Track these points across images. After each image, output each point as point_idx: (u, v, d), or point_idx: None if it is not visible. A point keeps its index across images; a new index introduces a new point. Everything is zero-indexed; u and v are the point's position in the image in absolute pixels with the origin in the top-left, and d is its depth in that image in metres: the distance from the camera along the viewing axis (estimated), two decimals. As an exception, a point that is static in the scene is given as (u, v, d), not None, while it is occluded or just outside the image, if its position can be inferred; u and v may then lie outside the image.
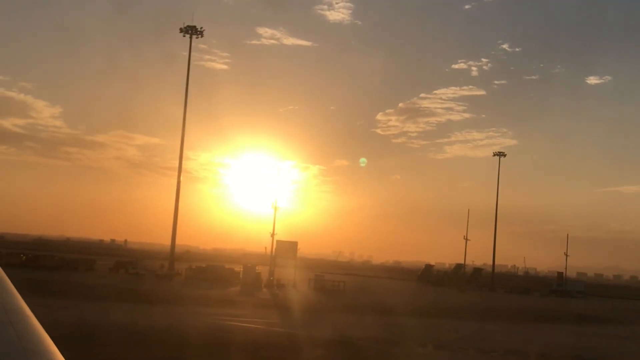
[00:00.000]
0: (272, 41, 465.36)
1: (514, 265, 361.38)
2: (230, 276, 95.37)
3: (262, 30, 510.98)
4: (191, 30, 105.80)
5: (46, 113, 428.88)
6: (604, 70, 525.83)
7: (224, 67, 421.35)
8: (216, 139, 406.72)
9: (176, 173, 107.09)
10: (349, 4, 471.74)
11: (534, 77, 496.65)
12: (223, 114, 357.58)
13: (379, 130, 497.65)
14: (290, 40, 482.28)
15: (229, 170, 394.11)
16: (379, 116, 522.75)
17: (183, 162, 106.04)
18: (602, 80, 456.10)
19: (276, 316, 49.53)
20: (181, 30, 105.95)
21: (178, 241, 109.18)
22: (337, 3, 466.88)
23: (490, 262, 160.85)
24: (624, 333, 56.48)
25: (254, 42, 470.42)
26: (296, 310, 55.24)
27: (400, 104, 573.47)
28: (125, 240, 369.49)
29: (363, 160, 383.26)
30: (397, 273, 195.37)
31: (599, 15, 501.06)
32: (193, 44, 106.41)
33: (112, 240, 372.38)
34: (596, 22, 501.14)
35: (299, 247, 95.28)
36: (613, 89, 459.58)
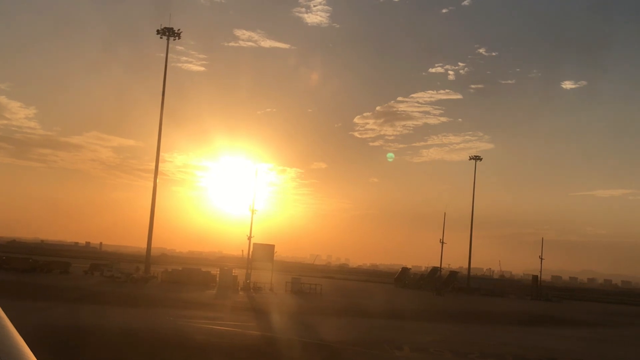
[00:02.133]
0: (250, 43, 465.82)
1: (490, 268, 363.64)
2: (207, 279, 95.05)
3: (239, 32, 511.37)
4: (168, 32, 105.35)
5: (20, 114, 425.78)
6: (579, 75, 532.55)
7: (201, 68, 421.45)
8: (193, 142, 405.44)
9: (152, 175, 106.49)
10: (327, 7, 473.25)
11: (510, 82, 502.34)
12: (200, 116, 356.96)
13: (356, 134, 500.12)
14: (268, 43, 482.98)
15: (206, 172, 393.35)
16: (357, 119, 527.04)
17: (159, 164, 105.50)
18: (578, 85, 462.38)
19: (252, 319, 49.41)
20: (158, 32, 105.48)
21: (154, 244, 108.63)
22: (315, 6, 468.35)
23: (466, 265, 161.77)
24: (597, 336, 57.06)
25: (231, 44, 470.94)
26: (273, 313, 55.18)
27: (378, 108, 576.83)
28: (101, 243, 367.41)
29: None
30: (374, 276, 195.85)
31: (575, 21, 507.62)
32: (170, 45, 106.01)
33: (87, 243, 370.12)
34: (572, 28, 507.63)
35: (276, 250, 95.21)
36: (588, 94, 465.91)
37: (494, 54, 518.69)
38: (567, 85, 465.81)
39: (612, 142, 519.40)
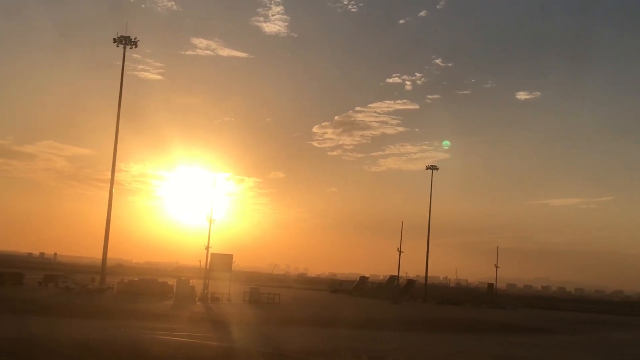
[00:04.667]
0: (208, 52, 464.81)
1: (446, 276, 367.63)
2: (164, 290, 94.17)
3: (197, 41, 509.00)
4: (125, 41, 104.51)
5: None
6: (533, 86, 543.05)
7: (158, 77, 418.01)
8: (150, 151, 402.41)
9: (108, 185, 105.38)
10: (285, 17, 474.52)
11: (466, 92, 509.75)
12: (157, 125, 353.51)
13: (315, 143, 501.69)
14: (226, 52, 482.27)
15: (163, 182, 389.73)
16: (315, 129, 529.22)
17: (115, 173, 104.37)
18: (532, 96, 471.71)
19: (210, 329, 49.13)
20: (115, 40, 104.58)
21: (110, 255, 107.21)
22: (273, 15, 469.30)
23: (424, 274, 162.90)
24: (551, 342, 58.05)
25: (189, 52, 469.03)
26: (230, 324, 54.93)
27: (336, 117, 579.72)
28: (55, 254, 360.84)
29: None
30: (332, 285, 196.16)
31: (529, 33, 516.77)
32: (127, 53, 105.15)
33: (42, 254, 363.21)
34: (527, 39, 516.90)
35: (234, 260, 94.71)
36: (542, 104, 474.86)
37: (449, 64, 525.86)
38: (522, 95, 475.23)
39: (565, 152, 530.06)
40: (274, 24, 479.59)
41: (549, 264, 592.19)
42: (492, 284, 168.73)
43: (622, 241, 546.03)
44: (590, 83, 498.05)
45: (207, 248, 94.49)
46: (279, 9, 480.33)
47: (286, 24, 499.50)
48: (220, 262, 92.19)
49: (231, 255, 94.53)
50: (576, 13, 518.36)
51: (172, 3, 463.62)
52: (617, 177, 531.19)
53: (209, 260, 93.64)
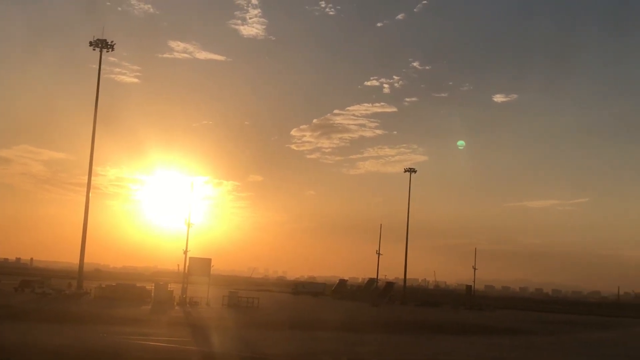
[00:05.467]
0: (185, 55, 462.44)
1: (425, 278, 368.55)
2: (142, 294, 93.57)
3: (174, 44, 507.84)
4: (101, 44, 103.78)
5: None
6: (510, 89, 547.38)
7: (135, 80, 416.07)
8: (127, 155, 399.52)
9: (84, 189, 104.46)
10: (262, 19, 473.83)
11: (443, 95, 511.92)
12: (134, 128, 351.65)
13: (293, 146, 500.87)
14: (203, 55, 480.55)
15: (141, 186, 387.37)
16: (294, 132, 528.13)
17: (92, 177, 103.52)
18: (509, 98, 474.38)
19: (188, 334, 48.88)
20: (91, 43, 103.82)
21: (87, 259, 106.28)
22: (251, 18, 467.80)
23: (402, 276, 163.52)
24: (532, 344, 58.46)
25: (166, 55, 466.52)
26: (209, 328, 54.67)
27: (315, 120, 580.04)
28: (32, 259, 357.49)
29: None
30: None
31: (507, 36, 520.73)
32: (103, 57, 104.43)
33: (18, 259, 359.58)
34: (504, 42, 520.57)
35: (212, 263, 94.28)
36: (519, 107, 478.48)
37: (427, 67, 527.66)
38: (499, 98, 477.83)
39: (542, 154, 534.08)
40: (252, 27, 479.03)
41: (526, 266, 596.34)
42: (471, 285, 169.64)
43: (597, 242, 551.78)
44: (567, 85, 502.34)
45: (186, 252, 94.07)
46: (256, 11, 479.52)
47: (264, 26, 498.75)
48: (199, 266, 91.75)
49: (209, 259, 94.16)
50: (552, 16, 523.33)
51: (149, 6, 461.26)
52: (592, 178, 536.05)
53: (187, 264, 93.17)
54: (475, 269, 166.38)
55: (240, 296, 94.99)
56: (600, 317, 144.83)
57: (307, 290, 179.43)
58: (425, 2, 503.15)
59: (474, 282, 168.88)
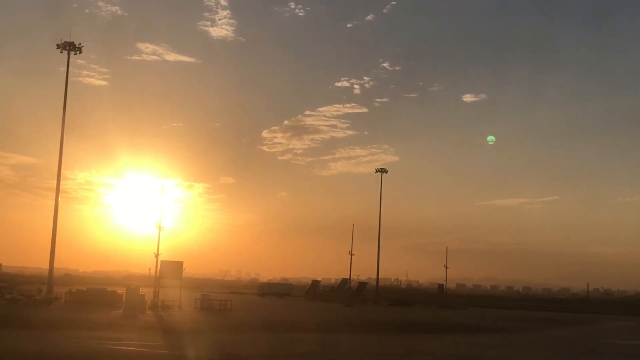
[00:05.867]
0: (154, 57, 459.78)
1: (397, 278, 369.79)
2: (113, 299, 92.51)
3: (143, 46, 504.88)
4: (69, 47, 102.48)
5: None
6: (479, 88, 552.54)
7: (104, 83, 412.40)
8: (96, 158, 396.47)
9: (53, 193, 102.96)
10: (232, 21, 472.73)
11: (413, 95, 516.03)
12: (103, 131, 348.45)
13: (264, 148, 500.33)
14: (172, 56, 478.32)
15: (111, 189, 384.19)
16: (265, 133, 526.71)
17: (61, 182, 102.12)
18: (478, 98, 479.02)
19: (161, 338, 48.43)
20: (58, 46, 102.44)
21: (57, 264, 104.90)
22: (220, 19, 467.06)
23: (375, 276, 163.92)
24: (506, 341, 58.89)
25: (135, 57, 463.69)
26: (182, 331, 54.23)
27: (286, 121, 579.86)
28: (0, 265, 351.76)
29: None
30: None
31: (475, 36, 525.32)
32: (71, 59, 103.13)
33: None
34: (472, 42, 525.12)
35: (184, 267, 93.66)
36: (488, 106, 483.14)
37: (397, 68, 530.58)
38: (468, 98, 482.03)
39: (511, 153, 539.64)
40: (221, 28, 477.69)
41: (497, 264, 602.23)
42: (442, 284, 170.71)
43: (566, 240, 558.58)
44: (537, 84, 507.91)
45: (157, 256, 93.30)
46: (225, 13, 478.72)
47: (233, 28, 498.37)
48: (171, 270, 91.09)
49: (181, 263, 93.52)
50: (521, 16, 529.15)
51: (117, 8, 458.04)
52: (562, 177, 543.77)
53: (158, 268, 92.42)
54: (446, 267, 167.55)
55: (213, 299, 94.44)
56: (570, 313, 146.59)
57: (272, 292, 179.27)
58: (394, 2, 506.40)
59: (446, 280, 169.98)
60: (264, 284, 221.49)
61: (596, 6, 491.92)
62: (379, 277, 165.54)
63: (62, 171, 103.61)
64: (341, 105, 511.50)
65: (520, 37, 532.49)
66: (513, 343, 57.05)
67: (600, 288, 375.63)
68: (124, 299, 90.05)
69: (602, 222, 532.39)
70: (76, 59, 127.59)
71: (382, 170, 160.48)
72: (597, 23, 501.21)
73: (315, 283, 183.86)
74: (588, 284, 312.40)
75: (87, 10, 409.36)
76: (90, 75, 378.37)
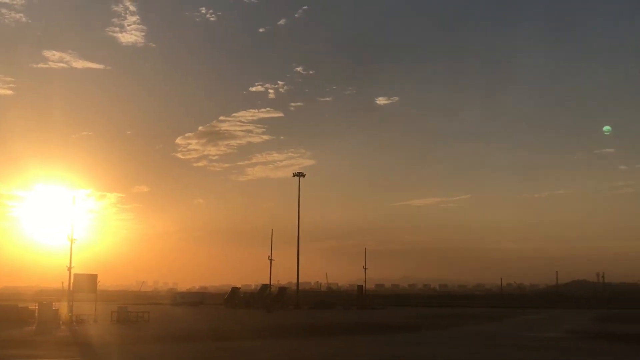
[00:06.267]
0: (61, 64, 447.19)
1: (317, 281, 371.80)
2: (25, 315, 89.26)
3: (49, 53, 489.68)
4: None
5: None
6: (392, 91, 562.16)
7: (9, 92, 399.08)
8: (2, 170, 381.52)
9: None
10: (142, 26, 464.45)
11: (327, 99, 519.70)
12: (10, 142, 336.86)
13: (179, 155, 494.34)
14: (80, 64, 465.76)
15: (19, 202, 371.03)
16: (179, 140, 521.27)
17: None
18: (391, 101, 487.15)
19: (77, 353, 46.98)
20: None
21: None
22: (129, 25, 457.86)
23: (295, 280, 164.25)
24: (427, 339, 59.85)
25: (40, 65, 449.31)
26: (98, 345, 52.78)
27: (200, 128, 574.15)
28: None
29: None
30: (209, 298, 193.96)
31: (388, 39, 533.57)
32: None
33: None
34: (385, 46, 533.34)
35: (99, 279, 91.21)
36: (401, 109, 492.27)
37: (311, 72, 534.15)
38: (381, 100, 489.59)
39: (425, 153, 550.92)
40: (130, 34, 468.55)
41: (414, 263, 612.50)
42: (362, 285, 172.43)
43: (479, 237, 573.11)
44: (448, 86, 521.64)
45: (70, 269, 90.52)
46: (134, 18, 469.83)
47: (143, 33, 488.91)
48: (85, 283, 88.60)
49: (96, 275, 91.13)
50: (432, 20, 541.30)
51: (21, 15, 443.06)
52: (473, 175, 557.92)
53: (72, 281, 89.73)
54: (365, 268, 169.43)
55: (130, 311, 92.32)
56: (486, 309, 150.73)
57: (185, 301, 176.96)
58: (305, 7, 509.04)
59: (365, 281, 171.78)
60: (177, 293, 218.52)
61: (501, 10, 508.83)
62: (299, 281, 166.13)
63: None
64: (256, 110, 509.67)
65: (432, 39, 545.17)
66: (428, 340, 58.07)
67: (513, 283, 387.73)
68: (36, 314, 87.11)
69: (512, 218, 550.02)
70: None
71: (300, 174, 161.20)
72: (502, 25, 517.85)
73: (234, 290, 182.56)
74: (501, 279, 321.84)
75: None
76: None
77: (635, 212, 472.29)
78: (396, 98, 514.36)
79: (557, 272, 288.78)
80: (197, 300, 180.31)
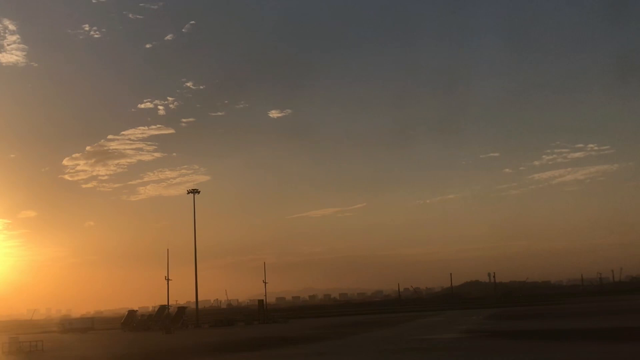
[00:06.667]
0: None
1: (217, 299, 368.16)
2: None
3: None
4: None
5: None
6: (284, 104, 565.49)
7: None
8: None
9: None
10: (22, 46, 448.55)
11: (220, 114, 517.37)
12: None
13: (67, 176, 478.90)
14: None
15: None
16: (66, 161, 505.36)
17: None
18: (284, 114, 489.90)
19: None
20: None
21: None
22: (9, 45, 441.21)
23: (194, 299, 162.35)
24: (320, 349, 60.53)
25: None
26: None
27: (88, 147, 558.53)
28: None
29: None
30: (99, 323, 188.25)
31: (278, 53, 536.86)
32: None
33: None
34: (275, 59, 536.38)
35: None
36: (294, 121, 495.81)
37: (201, 87, 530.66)
38: (274, 114, 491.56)
39: (320, 165, 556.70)
40: (11, 54, 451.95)
41: (313, 274, 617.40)
42: (262, 300, 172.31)
43: (376, 244, 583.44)
44: (339, 97, 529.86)
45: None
46: (14, 37, 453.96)
47: (24, 53, 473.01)
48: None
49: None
50: (320, 36, 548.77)
51: None
52: (368, 185, 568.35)
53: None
54: (265, 282, 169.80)
55: (22, 341, 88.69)
56: (385, 314, 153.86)
57: (73, 327, 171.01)
58: (193, 22, 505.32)
59: (265, 296, 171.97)
60: (65, 320, 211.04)
61: (397, 24, 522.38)
62: (199, 299, 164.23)
63: None
64: (146, 128, 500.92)
65: (323, 53, 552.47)
66: (330, 349, 58.88)
67: (410, 287, 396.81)
68: None
69: (406, 224, 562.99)
70: None
71: (194, 191, 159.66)
72: (396, 38, 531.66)
73: (131, 313, 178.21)
74: (399, 284, 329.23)
75: None
76: None
77: (520, 212, 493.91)
78: (289, 111, 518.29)
79: (450, 274, 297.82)
80: (86, 326, 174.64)
